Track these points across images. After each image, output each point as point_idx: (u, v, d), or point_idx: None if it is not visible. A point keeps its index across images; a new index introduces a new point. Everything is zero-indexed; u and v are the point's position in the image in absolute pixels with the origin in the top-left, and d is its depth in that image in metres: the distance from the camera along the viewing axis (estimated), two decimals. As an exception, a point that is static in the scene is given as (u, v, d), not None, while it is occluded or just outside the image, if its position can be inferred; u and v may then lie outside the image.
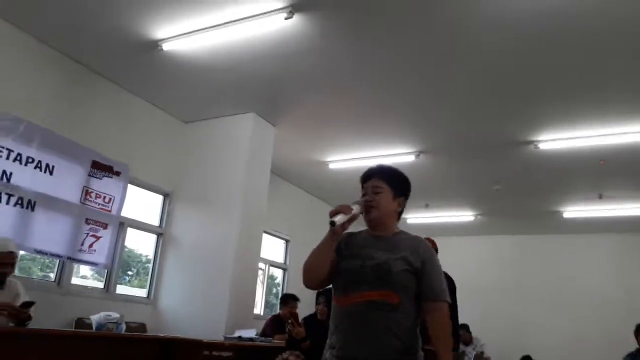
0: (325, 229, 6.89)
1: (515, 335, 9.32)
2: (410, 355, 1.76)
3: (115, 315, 3.47)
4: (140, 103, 5.45)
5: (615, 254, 9.21)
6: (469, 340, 7.77)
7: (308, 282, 1.89)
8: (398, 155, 6.43)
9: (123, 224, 5.17)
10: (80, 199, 4.64)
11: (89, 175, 4.73)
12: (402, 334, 1.74)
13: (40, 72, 4.52)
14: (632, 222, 8.37)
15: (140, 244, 5.72)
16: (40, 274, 4.75)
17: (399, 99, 5.11)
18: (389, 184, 1.95)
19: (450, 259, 10.02)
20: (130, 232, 5.39)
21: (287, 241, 7.87)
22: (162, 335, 3.47)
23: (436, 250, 5.13)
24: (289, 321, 3.80)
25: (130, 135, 5.31)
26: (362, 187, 2.00)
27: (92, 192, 4.75)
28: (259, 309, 7.16)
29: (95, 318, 3.40)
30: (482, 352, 7.31)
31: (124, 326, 3.45)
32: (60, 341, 2.77)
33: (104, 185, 4.86)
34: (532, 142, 5.76)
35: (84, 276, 5.18)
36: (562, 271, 9.52)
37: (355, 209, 1.83)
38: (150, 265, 5.57)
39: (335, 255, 1.88)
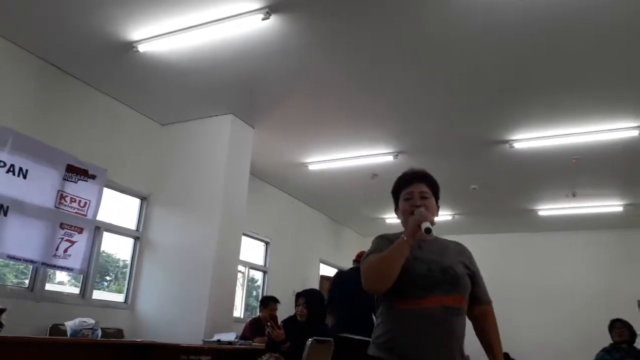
0: (306, 231, 6.97)
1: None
2: (463, 354, 1.79)
3: (90, 321, 3.41)
4: (117, 106, 5.38)
5: (591, 250, 9.42)
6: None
7: (377, 288, 1.78)
8: (377, 155, 6.48)
9: (99, 228, 5.09)
10: (55, 203, 4.55)
11: (64, 179, 4.64)
12: (462, 336, 1.78)
13: (13, 75, 4.43)
14: (606, 219, 8.60)
15: (118, 248, 5.63)
16: (15, 280, 4.64)
17: (377, 101, 5.14)
18: (432, 190, 1.95)
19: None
20: (108, 236, 5.31)
21: (267, 243, 7.84)
22: (138, 340, 3.42)
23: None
24: (268, 324, 3.78)
25: (107, 138, 5.24)
26: (402, 192, 1.95)
27: (67, 196, 4.66)
28: (239, 311, 7.12)
29: (70, 324, 3.34)
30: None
31: (99, 332, 3.39)
32: (33, 348, 2.71)
33: (80, 189, 4.78)
34: (507, 141, 5.86)
35: (61, 282, 5.08)
36: (539, 269, 9.71)
37: (425, 216, 1.75)
38: (128, 270, 5.49)
39: None
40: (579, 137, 5.56)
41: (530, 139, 5.75)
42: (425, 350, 1.69)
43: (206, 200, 5.41)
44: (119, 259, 5.69)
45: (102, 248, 5.30)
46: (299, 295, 4.21)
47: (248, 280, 7.52)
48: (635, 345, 4.55)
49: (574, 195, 7.54)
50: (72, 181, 4.73)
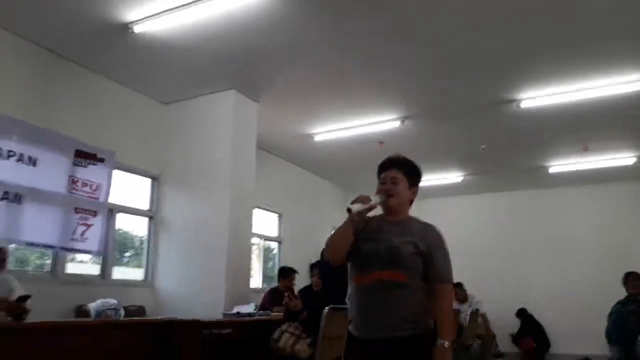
0: (317, 200, 7.08)
1: (510, 291, 9.53)
2: (417, 324, 1.97)
3: (112, 301, 3.51)
4: (117, 87, 5.37)
5: (603, 204, 9.36)
6: (464, 298, 7.93)
7: (328, 257, 2.11)
8: (383, 122, 6.43)
9: (112, 210, 5.16)
10: (67, 189, 4.61)
11: (74, 165, 4.69)
12: (409, 307, 1.96)
13: (11, 63, 4.43)
14: (617, 172, 8.50)
15: (135, 225, 5.75)
16: (38, 262, 4.75)
17: (380, 66, 5.07)
18: (406, 175, 2.14)
19: (440, 220, 10.19)
20: (124, 215, 5.42)
21: (279, 214, 7.91)
22: (160, 317, 3.51)
23: None
24: (286, 294, 3.86)
25: (111, 121, 5.26)
26: (380, 176, 2.17)
27: (78, 180, 4.72)
28: (257, 282, 7.25)
29: (93, 306, 3.44)
30: (477, 310, 7.47)
31: (122, 311, 3.50)
32: (58, 332, 2.80)
33: (90, 173, 4.82)
34: (514, 100, 5.78)
35: (82, 260, 5.19)
36: (552, 225, 9.69)
37: (375, 199, 2.02)
38: (145, 248, 5.60)
39: (354, 238, 2.06)
40: (587, 93, 5.46)
41: (536, 97, 5.66)
42: (366, 318, 1.99)
43: (215, 177, 5.45)
44: (136, 235, 5.78)
45: (120, 226, 5.45)
46: (312, 266, 4.28)
47: (264, 250, 7.63)
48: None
49: (585, 149, 7.45)
50: (82, 166, 4.77)
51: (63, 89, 4.84)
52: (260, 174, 6.01)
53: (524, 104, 5.79)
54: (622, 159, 7.90)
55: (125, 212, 5.44)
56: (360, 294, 2.03)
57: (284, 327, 3.75)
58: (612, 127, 6.65)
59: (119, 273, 5.49)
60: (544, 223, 9.77)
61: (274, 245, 7.94)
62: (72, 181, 4.66)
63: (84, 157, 4.79)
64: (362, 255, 2.03)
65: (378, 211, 2.18)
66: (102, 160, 4.94)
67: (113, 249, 5.16)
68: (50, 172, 4.47)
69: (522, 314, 9.31)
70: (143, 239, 5.73)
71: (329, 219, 9.25)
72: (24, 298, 3.03)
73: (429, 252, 2.03)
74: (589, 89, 5.40)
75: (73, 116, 4.87)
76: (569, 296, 9.18)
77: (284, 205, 7.92)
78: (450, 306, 2.08)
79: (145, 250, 5.62)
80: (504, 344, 9.15)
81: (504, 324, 9.13)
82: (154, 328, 3.33)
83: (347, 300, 2.12)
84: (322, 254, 5.36)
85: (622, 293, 5.02)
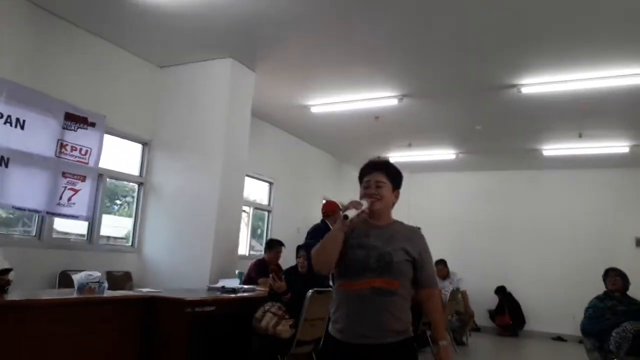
0: (309, 170, 7.08)
1: (491, 268, 9.72)
2: (404, 331, 2.03)
3: (96, 274, 3.50)
4: (112, 49, 5.20)
5: (592, 188, 9.45)
6: (445, 275, 8.09)
7: (319, 269, 2.08)
8: (381, 99, 6.34)
9: (102, 175, 5.11)
10: (56, 153, 4.55)
11: (63, 128, 4.62)
12: (399, 314, 2.02)
13: (3, 21, 4.25)
14: (611, 159, 8.55)
15: (125, 176, 5.60)
16: (22, 229, 4.73)
17: (381, 43, 4.94)
18: (389, 178, 2.14)
19: (430, 195, 10.36)
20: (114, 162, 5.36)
21: (270, 183, 7.89)
22: (144, 293, 3.53)
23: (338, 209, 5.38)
24: (271, 275, 3.89)
25: (105, 83, 5.12)
26: (363, 179, 2.16)
27: (67, 144, 4.66)
28: (244, 250, 7.31)
29: (76, 278, 3.43)
30: (457, 289, 7.62)
31: (106, 284, 3.50)
32: (39, 307, 2.81)
33: (80, 137, 4.76)
34: (515, 85, 5.70)
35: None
36: (540, 206, 9.80)
37: (365, 204, 2.03)
38: (133, 213, 5.58)
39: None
40: (589, 83, 5.40)
41: (538, 84, 5.59)
42: (356, 324, 1.99)
43: (208, 144, 5.39)
44: (127, 184, 5.73)
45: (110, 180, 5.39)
46: (299, 248, 4.29)
47: (253, 218, 7.64)
48: (628, 293, 4.65)
49: (580, 136, 7.46)
50: (72, 129, 4.70)
51: (56, 50, 4.67)
52: (252, 142, 5.95)
53: (525, 90, 5.72)
54: (616, 147, 7.91)
55: (115, 178, 5.39)
56: (349, 299, 2.03)
57: (267, 306, 3.79)
58: (608, 117, 6.63)
59: (109, 222, 5.48)
60: (533, 204, 9.88)
61: (262, 211, 7.93)
62: (61, 145, 4.60)
63: (74, 120, 4.71)
64: (351, 262, 2.03)
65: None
66: (92, 125, 4.87)
67: (101, 214, 5.13)
68: (39, 135, 4.40)
69: (501, 291, 9.53)
70: (134, 187, 5.66)
71: (320, 189, 9.28)
72: (5, 271, 3.02)
73: (420, 258, 2.09)
74: (590, 79, 5.33)
75: (65, 78, 4.73)
76: (548, 277, 9.40)
77: (275, 174, 7.89)
78: (442, 309, 2.20)
79: (135, 199, 5.59)
80: (481, 319, 9.41)
81: (482, 300, 9.36)
82: (137, 304, 3.36)
83: (333, 296, 2.12)
84: (307, 235, 5.40)
85: (600, 279, 5.08)
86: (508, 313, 9.30)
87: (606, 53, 4.82)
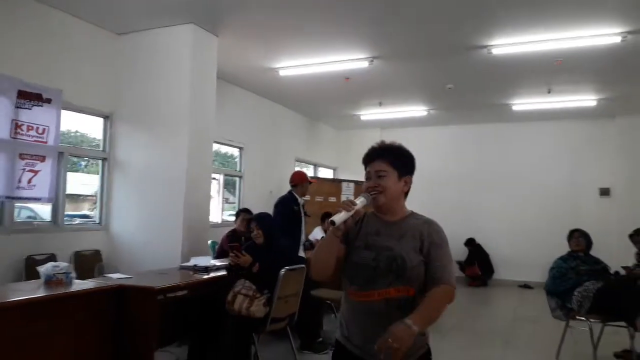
0: (281, 131, 6.98)
1: (461, 220, 9.91)
2: (422, 345, 1.78)
3: (63, 264, 3.41)
4: (65, 18, 4.86)
5: (559, 139, 9.63)
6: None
7: (316, 277, 1.84)
8: (351, 61, 6.18)
9: (62, 154, 4.92)
10: (10, 134, 4.33)
11: (16, 107, 4.37)
12: None
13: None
14: (579, 112, 8.71)
15: (91, 127, 5.50)
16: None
17: (350, 5, 4.75)
18: (393, 165, 1.84)
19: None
20: (79, 116, 5.22)
21: (240, 148, 7.75)
22: (114, 282, 3.47)
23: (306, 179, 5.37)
24: (232, 253, 3.80)
25: (58, 55, 4.82)
26: (365, 170, 1.89)
27: (22, 124, 4.43)
28: (217, 217, 7.26)
29: (42, 270, 3.34)
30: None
31: (73, 274, 3.42)
32: (7, 310, 2.74)
33: (35, 115, 4.52)
34: (485, 46, 5.62)
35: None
36: (509, 158, 9.96)
37: (361, 202, 1.74)
38: (99, 191, 5.43)
39: (344, 247, 1.83)
40: (558, 43, 5.36)
41: (508, 45, 5.52)
42: (371, 339, 1.63)
43: (172, 114, 5.20)
44: (94, 138, 5.56)
45: (76, 128, 5.34)
46: (250, 221, 4.24)
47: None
48: (590, 252, 4.81)
49: (549, 92, 7.51)
50: (26, 108, 4.46)
51: (1, 22, 4.34)
52: (220, 106, 5.79)
53: (495, 51, 5.66)
54: (584, 101, 8.00)
55: (77, 155, 5.20)
56: (362, 313, 1.77)
57: (236, 288, 3.75)
58: (577, 74, 6.65)
59: (77, 179, 5.36)
60: (502, 156, 10.03)
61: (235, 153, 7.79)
62: (16, 125, 4.38)
63: (27, 98, 4.47)
64: (357, 266, 1.77)
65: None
66: (48, 101, 4.63)
67: (64, 195, 4.97)
68: (-10, 117, 4.16)
69: (470, 243, 9.80)
70: (99, 140, 5.48)
71: (292, 150, 9.18)
72: None
73: (429, 253, 1.78)
74: (559, 40, 5.31)
75: (13, 53, 4.42)
76: (516, 228, 9.70)
77: (245, 138, 7.73)
78: (444, 304, 1.73)
79: (98, 192, 5.44)
80: (452, 270, 9.71)
81: (452, 252, 9.55)
82: (107, 294, 3.32)
83: (343, 301, 1.87)
84: (275, 207, 5.31)
85: (564, 229, 5.21)
86: (477, 264, 9.61)
87: (575, 13, 4.77)
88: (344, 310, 1.87)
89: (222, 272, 4.15)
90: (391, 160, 1.85)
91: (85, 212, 6.17)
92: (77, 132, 5.47)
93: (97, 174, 5.48)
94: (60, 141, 4.78)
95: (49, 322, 2.95)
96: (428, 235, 1.81)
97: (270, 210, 5.61)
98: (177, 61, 5.22)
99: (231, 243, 5.36)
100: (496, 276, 9.70)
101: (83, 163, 5.68)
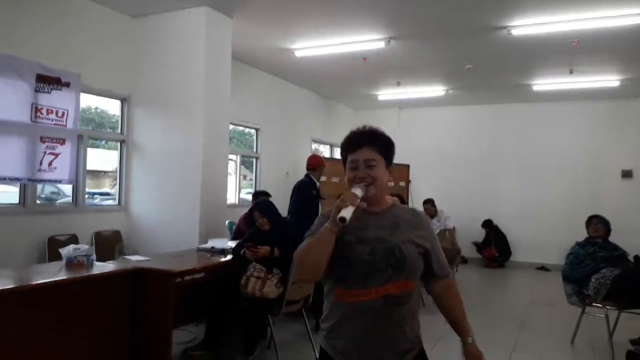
0: (297, 111, 6.95)
1: (479, 201, 9.87)
2: (419, 341, 1.71)
3: (84, 247, 3.50)
4: (81, 2, 4.89)
5: (581, 120, 9.44)
6: (433, 214, 8.23)
7: (308, 277, 1.75)
8: (367, 42, 6.11)
9: (82, 137, 4.99)
10: (31, 117, 4.41)
11: (36, 91, 4.43)
12: (413, 322, 1.67)
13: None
14: (601, 92, 8.51)
15: (110, 105, 5.57)
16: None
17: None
18: (381, 154, 1.68)
19: (420, 131, 10.30)
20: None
21: (257, 130, 7.76)
22: (133, 265, 3.56)
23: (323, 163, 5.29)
24: (249, 252, 3.84)
25: (75, 39, 4.85)
26: (348, 158, 1.70)
27: (42, 108, 4.50)
28: (233, 198, 7.33)
29: (64, 252, 3.43)
30: (444, 229, 7.76)
31: (94, 257, 3.51)
32: (25, 294, 2.84)
33: (54, 99, 4.59)
34: (505, 27, 5.50)
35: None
36: (529, 139, 9.80)
37: (359, 192, 1.58)
38: (118, 173, 5.52)
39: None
40: (581, 23, 5.23)
41: (528, 25, 5.40)
42: (364, 345, 1.60)
43: (188, 96, 5.22)
44: (113, 115, 5.65)
45: (96, 105, 5.44)
46: (251, 211, 4.24)
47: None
48: (610, 239, 4.76)
49: (571, 72, 7.34)
50: (45, 92, 4.52)
51: (20, 8, 4.37)
52: (235, 87, 5.79)
53: (515, 32, 5.54)
54: (606, 81, 7.81)
55: (96, 138, 5.27)
56: (355, 314, 1.61)
57: (249, 272, 3.83)
58: (599, 54, 6.49)
59: (96, 156, 5.45)
60: (521, 137, 9.87)
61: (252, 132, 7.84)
62: (36, 109, 4.45)
63: (46, 82, 4.52)
64: (352, 262, 1.60)
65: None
66: (67, 85, 4.69)
67: (84, 177, 5.06)
68: (10, 101, 4.25)
69: (487, 224, 9.75)
70: (118, 116, 5.54)
71: (308, 130, 9.16)
72: None
73: (431, 246, 1.71)
74: (580, 20, 5.18)
75: (32, 37, 4.47)
76: (534, 209, 9.60)
77: (261, 119, 7.73)
78: (460, 298, 1.77)
79: (117, 173, 5.53)
80: (468, 251, 9.70)
81: (470, 233, 9.61)
82: (126, 277, 3.40)
83: (324, 315, 1.72)
84: (293, 191, 5.34)
85: (584, 213, 5.14)
86: (494, 245, 9.57)
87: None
88: (329, 314, 1.69)
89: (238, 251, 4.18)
90: (379, 149, 1.68)
91: (106, 189, 6.32)
92: (97, 108, 5.56)
93: (117, 149, 5.57)
94: (79, 124, 4.84)
95: (70, 304, 3.04)
96: (425, 227, 1.73)
97: (287, 191, 5.68)
98: (191, 44, 5.22)
99: (248, 223, 5.47)
100: (513, 258, 9.64)
101: (104, 141, 5.76)
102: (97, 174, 6.51)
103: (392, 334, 1.61)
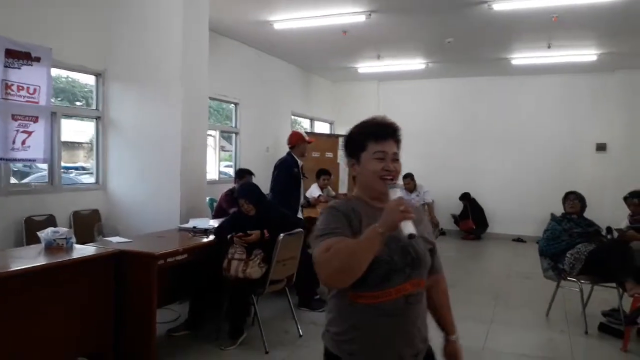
0: (276, 85, 6.84)
1: (457, 174, 9.98)
2: (427, 338, 1.67)
3: (63, 230, 3.43)
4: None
5: (558, 93, 9.52)
6: (412, 189, 8.32)
7: (339, 285, 1.52)
8: (348, 15, 6.00)
9: (55, 114, 4.83)
10: (1, 94, 4.23)
11: (5, 67, 4.24)
12: (425, 318, 1.65)
13: None
14: (578, 66, 8.59)
15: (79, 75, 5.40)
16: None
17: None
18: (399, 148, 1.64)
19: (399, 104, 10.29)
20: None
21: (236, 104, 7.62)
22: (114, 247, 3.50)
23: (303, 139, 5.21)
24: (236, 239, 3.82)
25: (46, 11, 4.63)
26: (370, 146, 1.59)
27: (12, 84, 4.31)
28: (214, 174, 7.25)
29: (42, 236, 3.36)
30: (423, 203, 7.86)
31: (73, 239, 3.45)
32: (7, 275, 2.78)
33: (25, 75, 4.40)
34: (485, 1, 5.47)
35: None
36: (507, 112, 9.87)
37: (400, 194, 1.50)
38: (94, 151, 5.38)
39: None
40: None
41: (509, 0, 5.38)
42: (384, 346, 1.55)
43: (165, 70, 5.06)
44: (85, 84, 5.49)
45: (67, 74, 5.26)
46: (236, 199, 4.19)
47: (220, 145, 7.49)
48: (584, 215, 4.87)
49: (549, 47, 7.37)
50: (15, 67, 4.33)
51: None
52: (213, 61, 5.63)
53: (496, 6, 5.52)
54: (584, 55, 7.87)
55: (70, 115, 5.10)
56: (375, 316, 1.53)
57: (229, 254, 3.82)
58: (577, 29, 6.51)
59: (70, 127, 5.27)
60: (500, 110, 9.94)
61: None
62: (6, 86, 4.27)
63: (16, 57, 4.33)
64: (372, 265, 1.45)
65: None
66: (37, 60, 4.49)
67: (60, 154, 4.92)
68: (-21, 78, 4.05)
69: (465, 197, 9.89)
70: (91, 87, 5.40)
71: (288, 104, 9.06)
72: None
73: (434, 242, 1.72)
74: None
75: (0, 10, 4.26)
76: (512, 182, 9.76)
77: (240, 93, 7.59)
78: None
79: (94, 151, 5.39)
80: (446, 223, 9.87)
81: (447, 206, 9.76)
82: (107, 260, 3.35)
83: (333, 320, 1.63)
84: (275, 168, 5.26)
85: (559, 185, 5.23)
86: (472, 218, 9.74)
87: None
88: (342, 317, 1.59)
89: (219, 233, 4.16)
90: (399, 142, 1.64)
91: (81, 163, 6.16)
92: (68, 77, 5.36)
93: (92, 119, 5.41)
94: (52, 99, 4.68)
95: (50, 288, 2.99)
96: (427, 222, 1.73)
97: (268, 166, 5.63)
98: (167, 16, 5.04)
99: (230, 201, 5.43)
100: (490, 230, 9.84)
101: (78, 117, 5.57)
102: (71, 146, 6.27)
103: (411, 332, 1.58)
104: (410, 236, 1.38)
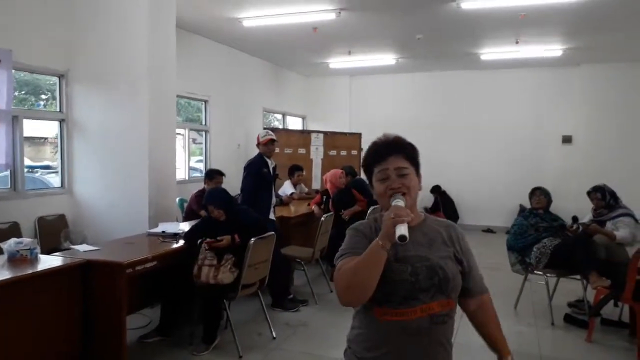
0: (247, 80, 6.80)
1: (427, 168, 9.70)
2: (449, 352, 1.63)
3: (27, 240, 3.33)
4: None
5: (525, 87, 9.72)
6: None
7: (354, 303, 1.53)
8: (318, 12, 5.98)
9: (17, 117, 4.68)
10: (-42, 99, 4.09)
11: (-38, 70, 4.10)
12: (450, 341, 1.60)
13: None
14: (545, 61, 8.78)
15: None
16: None
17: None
18: (410, 161, 1.58)
19: (370, 98, 10.32)
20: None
21: (205, 101, 7.52)
22: (81, 257, 3.43)
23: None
24: (205, 245, 3.78)
25: (5, 12, 4.47)
26: (374, 170, 1.58)
27: (-30, 88, 4.18)
28: (183, 174, 7.15)
29: (5, 247, 3.25)
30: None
31: (38, 250, 3.36)
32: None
33: (-17, 78, 4.26)
34: (454, 0, 5.52)
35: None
36: (477, 105, 10.02)
37: (401, 202, 1.46)
38: (59, 154, 5.25)
39: None
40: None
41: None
42: None
43: (131, 69, 4.95)
44: (49, 78, 5.31)
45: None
46: (205, 206, 4.13)
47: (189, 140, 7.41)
48: (550, 210, 5.00)
49: (516, 42, 7.50)
50: (-27, 70, 4.18)
51: None
52: (181, 58, 5.54)
53: (464, 5, 5.58)
54: (550, 50, 8.03)
55: (32, 118, 4.95)
56: (401, 333, 1.51)
57: (199, 261, 3.78)
58: (544, 25, 6.64)
59: (31, 125, 5.14)
60: (469, 104, 10.08)
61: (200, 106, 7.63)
62: (-37, 90, 4.12)
63: (-27, 60, 4.18)
64: (395, 283, 1.48)
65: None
66: (-4, 62, 4.34)
67: (22, 159, 4.78)
68: None
69: (436, 190, 10.02)
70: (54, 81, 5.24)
71: (259, 100, 8.99)
72: None
73: (467, 261, 1.63)
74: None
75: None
76: (481, 174, 9.94)
77: (209, 90, 7.50)
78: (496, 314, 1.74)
79: (59, 153, 5.26)
80: (418, 217, 9.96)
81: (419, 199, 9.76)
82: (74, 271, 3.29)
83: (357, 336, 1.61)
84: (244, 170, 5.19)
85: (527, 177, 5.33)
86: (443, 210, 9.87)
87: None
88: (368, 334, 1.58)
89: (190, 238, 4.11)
90: (407, 155, 1.59)
91: (47, 162, 6.00)
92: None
93: (56, 114, 5.26)
94: (13, 102, 4.54)
95: (14, 303, 2.92)
96: (460, 241, 1.64)
97: (239, 164, 5.58)
98: (132, 13, 4.93)
99: (200, 202, 5.36)
100: (460, 221, 9.98)
101: (42, 103, 5.39)
102: (35, 141, 6.06)
103: (435, 352, 1.55)
104: (401, 238, 1.35)
